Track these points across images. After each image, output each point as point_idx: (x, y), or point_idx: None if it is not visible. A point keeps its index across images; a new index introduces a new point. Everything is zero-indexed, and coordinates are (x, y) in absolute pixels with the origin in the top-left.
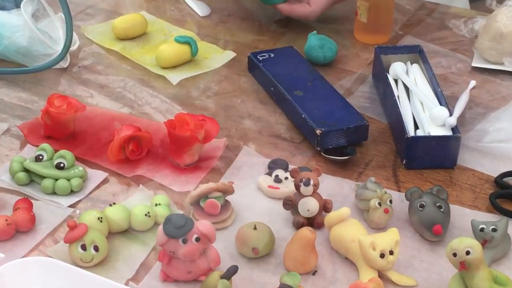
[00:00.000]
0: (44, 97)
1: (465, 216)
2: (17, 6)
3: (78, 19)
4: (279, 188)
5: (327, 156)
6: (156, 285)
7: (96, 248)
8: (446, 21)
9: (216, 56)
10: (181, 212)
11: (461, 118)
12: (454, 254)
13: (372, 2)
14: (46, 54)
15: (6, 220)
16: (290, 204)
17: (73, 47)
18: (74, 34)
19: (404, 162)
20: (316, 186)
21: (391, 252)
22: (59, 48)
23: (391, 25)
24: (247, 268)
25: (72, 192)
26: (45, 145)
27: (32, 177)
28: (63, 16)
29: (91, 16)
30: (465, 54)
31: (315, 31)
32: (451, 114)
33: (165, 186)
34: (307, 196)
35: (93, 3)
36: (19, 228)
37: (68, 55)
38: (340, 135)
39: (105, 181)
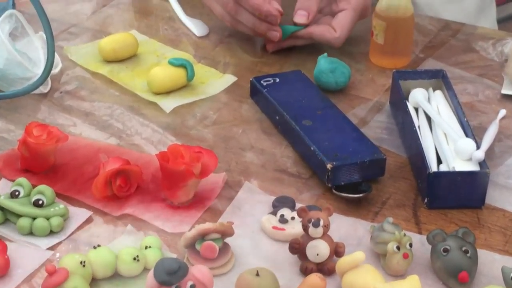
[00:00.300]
0: (22, 125)
1: (494, 262)
2: None
3: (61, 38)
4: (284, 230)
5: (339, 193)
6: None
7: None
8: (472, 43)
9: (214, 81)
10: (174, 255)
11: (489, 152)
12: None
13: (390, 21)
14: (25, 78)
15: None
16: (297, 247)
17: (55, 70)
18: (56, 55)
19: (425, 200)
20: (326, 227)
21: None
22: (39, 71)
23: (411, 47)
24: None
25: (51, 232)
26: (22, 180)
27: (7, 216)
28: (44, 35)
29: (75, 35)
30: (494, 80)
31: (325, 54)
32: (478, 147)
33: (157, 227)
34: (316, 238)
35: (77, 21)
36: None
37: (49, 79)
38: (354, 170)
39: (88, 220)
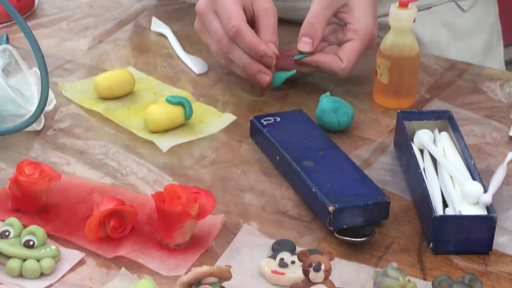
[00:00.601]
0: (13, 164)
1: None
2: None
3: (55, 75)
4: (284, 274)
5: (341, 237)
6: None
7: None
8: (479, 83)
9: (213, 120)
10: None
11: (497, 195)
12: None
13: (395, 60)
14: (17, 115)
15: None
16: None
17: (49, 107)
18: (50, 92)
19: (431, 245)
20: (328, 272)
21: None
22: (32, 108)
23: (416, 87)
24: None
25: (42, 275)
26: (13, 220)
27: None
28: (38, 71)
29: (70, 71)
30: (502, 122)
31: (328, 93)
32: (485, 191)
33: (151, 270)
34: (317, 283)
35: (72, 57)
36: None
37: (42, 116)
38: (357, 213)
39: (81, 262)
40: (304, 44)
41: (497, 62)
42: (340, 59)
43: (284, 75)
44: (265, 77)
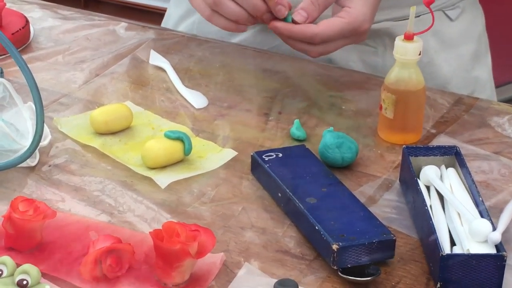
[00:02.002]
0: (7, 200)
1: None
2: None
3: (51, 109)
4: None
5: (345, 276)
6: None
7: None
8: (487, 118)
9: (213, 155)
10: None
11: (506, 234)
12: None
13: (400, 94)
14: (11, 150)
15: None
16: None
17: (44, 142)
18: (46, 127)
19: (438, 285)
20: None
21: None
22: (26, 143)
23: (422, 122)
24: None
25: None
26: (6, 258)
27: None
28: (33, 106)
29: (66, 106)
30: (510, 158)
31: (331, 128)
32: (494, 229)
33: None
34: None
35: (68, 91)
36: None
37: (37, 152)
38: (361, 251)
39: None
40: (299, 16)
41: (486, 72)
42: (318, 25)
43: None
44: (284, 9)
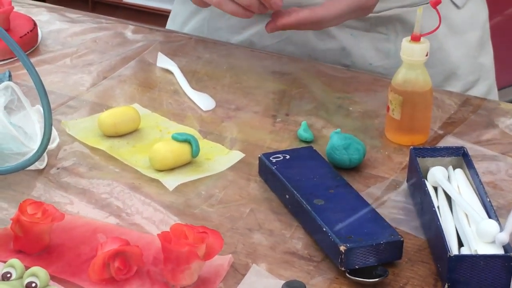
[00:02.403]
0: (15, 203)
1: None
2: None
3: (59, 112)
4: None
5: (353, 278)
6: None
7: None
8: (494, 119)
9: (220, 157)
10: None
11: None
12: None
13: (407, 95)
14: (19, 153)
15: None
16: None
17: (52, 145)
18: (54, 129)
19: (446, 286)
20: None
21: None
22: (35, 146)
23: (429, 123)
24: None
25: None
26: (14, 261)
27: None
28: (41, 109)
29: (74, 109)
30: None
31: (338, 129)
32: (502, 229)
33: None
34: None
35: (76, 94)
36: None
37: (45, 155)
38: (369, 252)
39: None
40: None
41: (489, 59)
42: (323, 5)
43: None
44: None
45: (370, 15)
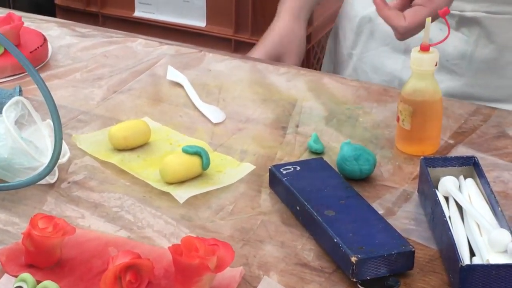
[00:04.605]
0: (27, 218)
1: None
2: None
3: (69, 126)
4: None
5: None
6: None
7: None
8: (505, 128)
9: (231, 170)
10: None
11: None
12: None
13: (417, 105)
14: (30, 168)
15: None
16: None
17: (62, 159)
18: (64, 144)
19: None
20: None
21: None
22: (45, 160)
23: (440, 133)
24: None
25: None
26: (26, 275)
27: None
28: (52, 123)
29: (84, 123)
30: None
31: (349, 140)
32: None
33: None
34: None
35: (87, 109)
36: None
37: (56, 169)
38: (380, 263)
39: None
40: None
41: None
42: (404, 17)
43: None
44: None
45: (455, 12)
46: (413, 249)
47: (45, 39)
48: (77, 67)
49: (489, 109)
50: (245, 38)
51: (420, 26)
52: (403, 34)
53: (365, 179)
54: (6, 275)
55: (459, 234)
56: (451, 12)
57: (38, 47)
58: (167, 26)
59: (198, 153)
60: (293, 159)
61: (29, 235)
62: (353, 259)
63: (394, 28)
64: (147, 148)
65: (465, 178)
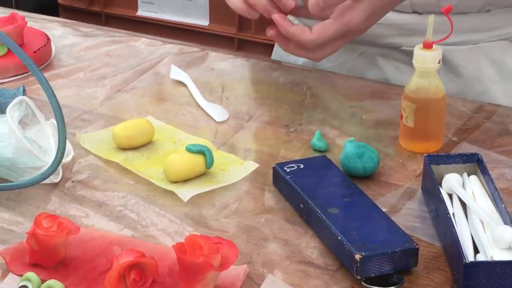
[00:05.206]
0: (31, 217)
1: None
2: (2, 111)
3: (73, 126)
4: None
5: (369, 286)
6: None
7: None
8: (509, 125)
9: (234, 168)
10: None
11: None
12: None
13: (420, 103)
14: (34, 167)
15: None
16: None
17: (66, 159)
18: (68, 143)
19: None
20: None
21: None
22: (49, 159)
23: (443, 130)
24: None
25: None
26: (31, 274)
27: None
28: (55, 123)
29: (88, 122)
30: None
31: (352, 138)
32: None
33: None
34: None
35: (90, 108)
36: None
37: (60, 168)
38: (384, 260)
39: None
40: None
41: None
42: (312, 31)
43: None
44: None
45: (409, 49)
46: (417, 246)
47: (48, 39)
48: (80, 66)
49: (493, 106)
50: (248, 37)
51: (330, 41)
52: (312, 49)
53: (369, 176)
54: (10, 274)
55: (463, 231)
56: (404, 49)
57: (41, 47)
58: (170, 25)
59: (201, 151)
60: (296, 157)
61: (34, 235)
62: (357, 256)
63: (301, 43)
64: (151, 147)
65: (468, 175)
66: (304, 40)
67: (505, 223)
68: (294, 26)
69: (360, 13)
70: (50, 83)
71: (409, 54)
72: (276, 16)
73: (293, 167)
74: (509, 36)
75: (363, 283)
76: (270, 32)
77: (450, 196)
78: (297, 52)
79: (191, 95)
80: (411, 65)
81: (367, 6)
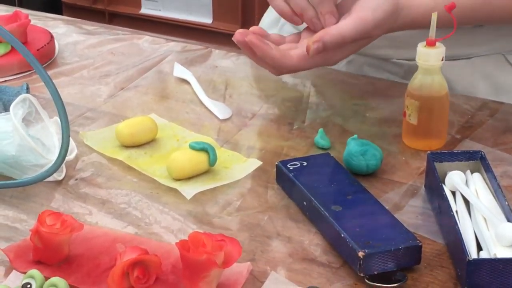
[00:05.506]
0: (35, 215)
1: None
2: (6, 109)
3: (77, 123)
4: None
5: (372, 283)
6: None
7: None
8: None
9: (238, 166)
10: None
11: None
12: None
13: (423, 100)
14: (38, 165)
15: None
16: None
17: (70, 156)
18: (72, 141)
19: None
20: None
21: None
22: (53, 157)
23: (446, 128)
24: None
25: None
26: (34, 272)
27: None
28: (59, 120)
29: (91, 120)
30: None
31: (355, 135)
32: None
33: None
34: None
35: (94, 106)
36: None
37: (63, 166)
38: (388, 258)
39: None
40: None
41: None
42: (292, 56)
43: None
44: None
45: (403, 62)
46: (420, 244)
47: (52, 37)
48: (84, 64)
49: (496, 104)
50: None
51: (306, 69)
52: (285, 72)
53: (372, 174)
54: (14, 271)
55: (466, 228)
56: (397, 61)
57: (45, 45)
58: (173, 23)
59: (205, 149)
60: (299, 154)
61: (37, 232)
62: (360, 254)
63: (277, 65)
64: (154, 144)
65: (472, 172)
66: (285, 64)
67: (508, 221)
68: (274, 50)
69: (341, 56)
70: (54, 81)
71: (399, 66)
72: (253, 38)
73: (296, 164)
74: (503, 50)
75: (366, 280)
76: (238, 38)
77: (453, 193)
78: (263, 65)
79: (194, 93)
80: (401, 76)
81: (349, 52)
